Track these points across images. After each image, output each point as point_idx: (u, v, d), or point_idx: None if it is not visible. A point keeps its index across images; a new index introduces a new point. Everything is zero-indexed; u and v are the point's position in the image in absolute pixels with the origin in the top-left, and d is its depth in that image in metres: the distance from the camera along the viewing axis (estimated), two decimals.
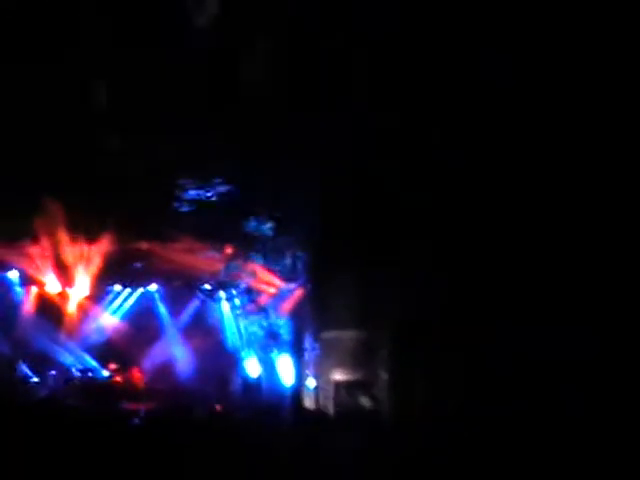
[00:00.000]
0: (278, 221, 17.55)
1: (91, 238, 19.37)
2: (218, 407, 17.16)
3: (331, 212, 16.28)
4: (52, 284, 21.31)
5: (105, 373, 21.10)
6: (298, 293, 19.43)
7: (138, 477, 10.46)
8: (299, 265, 18.41)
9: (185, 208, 16.82)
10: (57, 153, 15.82)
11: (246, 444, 11.95)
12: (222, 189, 16.52)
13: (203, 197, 16.62)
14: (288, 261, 18.49)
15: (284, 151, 14.96)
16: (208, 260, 19.26)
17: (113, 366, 20.95)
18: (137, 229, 18.17)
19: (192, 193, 16.66)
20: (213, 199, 16.64)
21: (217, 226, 17.35)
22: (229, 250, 18.89)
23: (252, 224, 17.58)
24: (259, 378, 20.26)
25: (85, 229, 18.84)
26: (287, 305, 19.65)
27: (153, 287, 21.89)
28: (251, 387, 20.14)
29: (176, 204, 16.73)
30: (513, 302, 13.47)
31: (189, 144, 15.10)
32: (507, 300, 13.61)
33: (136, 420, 15.13)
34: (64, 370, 20.80)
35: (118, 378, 20.72)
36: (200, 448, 11.74)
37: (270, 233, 17.84)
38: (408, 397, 15.68)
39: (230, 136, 14.73)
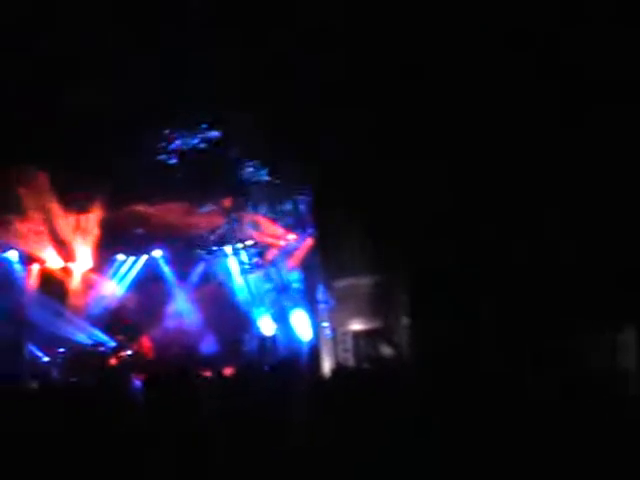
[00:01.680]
0: (274, 164, 16.29)
1: (83, 206, 18.48)
2: (230, 370, 16.24)
3: (332, 148, 15.04)
4: (53, 260, 20.44)
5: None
6: (307, 243, 18.43)
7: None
8: (303, 211, 17.21)
9: (173, 160, 15.65)
10: (34, 116, 14.79)
11: (262, 405, 11.16)
12: (209, 135, 15.30)
13: (190, 146, 15.40)
14: (290, 207, 17.29)
15: (274, 83, 13.74)
16: (208, 216, 18.19)
17: (120, 337, 19.98)
18: (129, 191, 17.02)
19: (178, 143, 15.45)
20: (201, 147, 15.41)
21: (210, 177, 16.17)
22: (227, 203, 17.76)
23: (247, 171, 16.34)
24: (274, 336, 19.29)
25: (75, 197, 17.93)
26: (297, 256, 18.74)
27: (157, 253, 20.89)
28: (266, 346, 19.15)
29: (163, 156, 15.51)
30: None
31: (169, 88, 13.96)
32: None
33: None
34: (73, 347, 19.85)
35: (127, 350, 19.76)
36: (212, 412, 10.97)
37: (267, 179, 16.62)
38: (432, 343, 14.60)
39: (211, 75, 13.55)
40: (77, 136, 15.31)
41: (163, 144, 15.55)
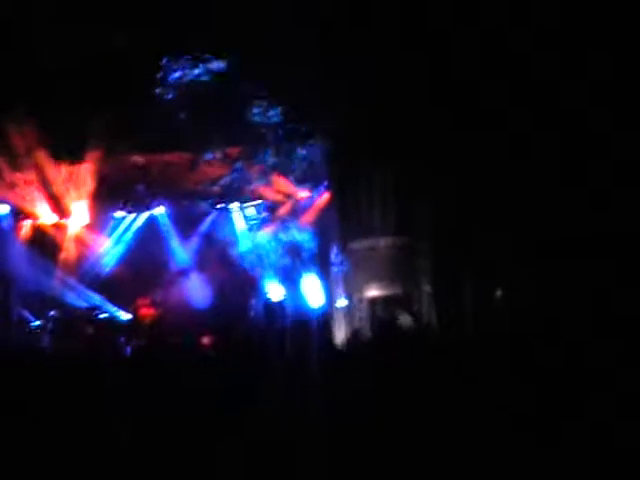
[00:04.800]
0: (288, 104, 14.54)
1: (76, 156, 16.94)
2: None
3: (357, 87, 13.43)
4: (47, 215, 18.90)
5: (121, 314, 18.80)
6: (322, 199, 17.01)
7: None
8: (318, 161, 15.53)
9: (170, 95, 13.88)
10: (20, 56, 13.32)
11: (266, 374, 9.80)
12: (213, 66, 13.53)
13: (190, 78, 13.64)
14: (303, 156, 15.57)
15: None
16: (212, 167, 16.54)
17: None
18: (124, 137, 15.35)
19: (177, 75, 13.70)
20: (203, 79, 13.64)
21: (214, 118, 14.42)
22: (233, 151, 16.07)
23: (256, 111, 14.57)
24: (282, 301, 17.78)
25: (66, 146, 16.44)
26: (310, 214, 17.28)
27: (159, 210, 19.34)
28: (274, 311, 17.63)
29: (157, 90, 13.76)
30: None
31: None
32: None
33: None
34: (66, 310, 18.42)
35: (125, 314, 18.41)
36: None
37: (279, 120, 14.86)
38: (455, 312, 13.95)
39: None
40: (65, 74, 13.81)
41: (160, 75, 13.73)
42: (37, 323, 18.28)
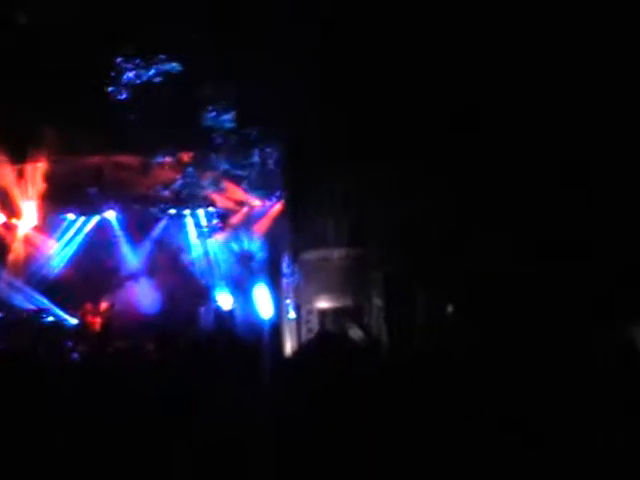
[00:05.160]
0: (242, 108, 14.30)
1: (26, 155, 16.64)
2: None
3: (313, 92, 13.18)
4: None
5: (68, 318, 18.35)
6: (275, 209, 16.79)
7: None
8: (271, 166, 15.28)
9: (123, 95, 13.61)
10: None
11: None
12: (167, 67, 13.28)
13: (144, 79, 13.38)
14: (256, 163, 15.32)
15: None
16: (163, 171, 16.28)
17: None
18: (75, 136, 15.04)
19: (130, 75, 13.44)
20: (157, 81, 13.38)
21: (167, 120, 14.13)
22: (186, 156, 15.82)
23: (209, 115, 14.32)
24: (232, 310, 17.50)
25: (16, 144, 16.02)
26: (262, 223, 17.04)
27: (110, 214, 18.97)
28: (223, 320, 17.42)
29: (111, 89, 13.47)
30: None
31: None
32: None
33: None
34: (12, 312, 18.05)
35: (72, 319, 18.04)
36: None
37: (232, 125, 14.62)
38: (406, 326, 13.65)
39: None
40: (16, 72, 13.51)
41: (112, 74, 13.46)
42: None
